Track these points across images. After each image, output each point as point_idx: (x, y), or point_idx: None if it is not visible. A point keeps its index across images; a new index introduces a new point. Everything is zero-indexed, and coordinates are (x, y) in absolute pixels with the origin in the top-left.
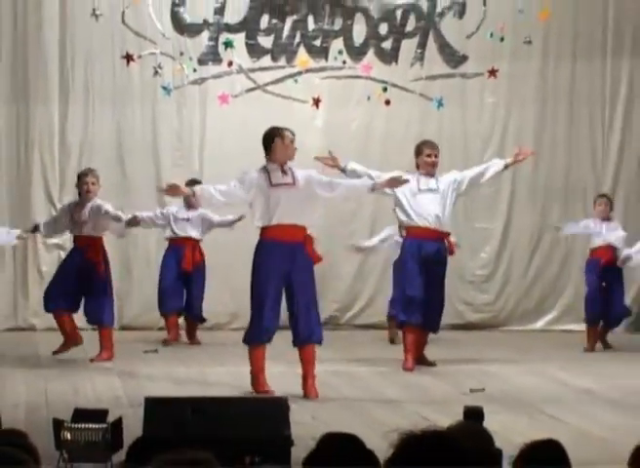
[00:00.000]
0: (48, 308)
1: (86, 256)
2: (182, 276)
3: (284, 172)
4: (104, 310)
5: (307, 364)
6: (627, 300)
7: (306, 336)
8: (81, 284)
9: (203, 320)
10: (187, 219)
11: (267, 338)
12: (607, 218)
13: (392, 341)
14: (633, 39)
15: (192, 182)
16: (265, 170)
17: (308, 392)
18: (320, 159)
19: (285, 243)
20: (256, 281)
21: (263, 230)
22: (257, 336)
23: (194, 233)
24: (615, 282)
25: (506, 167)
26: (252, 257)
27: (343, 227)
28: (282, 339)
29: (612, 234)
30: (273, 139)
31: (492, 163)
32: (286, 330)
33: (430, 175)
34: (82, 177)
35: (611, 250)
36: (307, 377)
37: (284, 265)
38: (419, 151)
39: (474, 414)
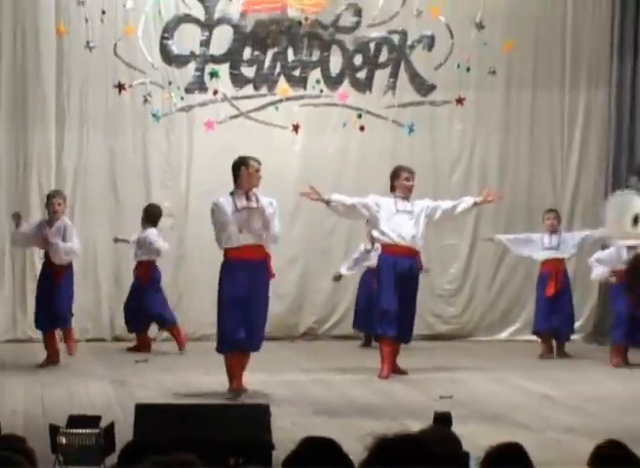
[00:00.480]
0: (37, 327)
1: (52, 268)
2: (139, 295)
3: (248, 198)
4: (67, 313)
5: (243, 365)
6: (584, 313)
7: (249, 344)
8: (51, 294)
9: (172, 322)
10: (133, 242)
11: (236, 346)
12: (555, 231)
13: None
14: (589, 72)
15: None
16: (232, 195)
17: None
18: (304, 194)
19: (247, 261)
20: (222, 295)
21: (228, 250)
22: (226, 344)
23: (137, 256)
24: (562, 296)
25: (475, 204)
26: None
27: (321, 241)
28: (262, 350)
29: (559, 248)
30: (239, 168)
31: (463, 199)
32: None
33: (406, 198)
34: (50, 199)
35: (559, 262)
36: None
37: (246, 281)
38: (397, 175)
39: (443, 419)
